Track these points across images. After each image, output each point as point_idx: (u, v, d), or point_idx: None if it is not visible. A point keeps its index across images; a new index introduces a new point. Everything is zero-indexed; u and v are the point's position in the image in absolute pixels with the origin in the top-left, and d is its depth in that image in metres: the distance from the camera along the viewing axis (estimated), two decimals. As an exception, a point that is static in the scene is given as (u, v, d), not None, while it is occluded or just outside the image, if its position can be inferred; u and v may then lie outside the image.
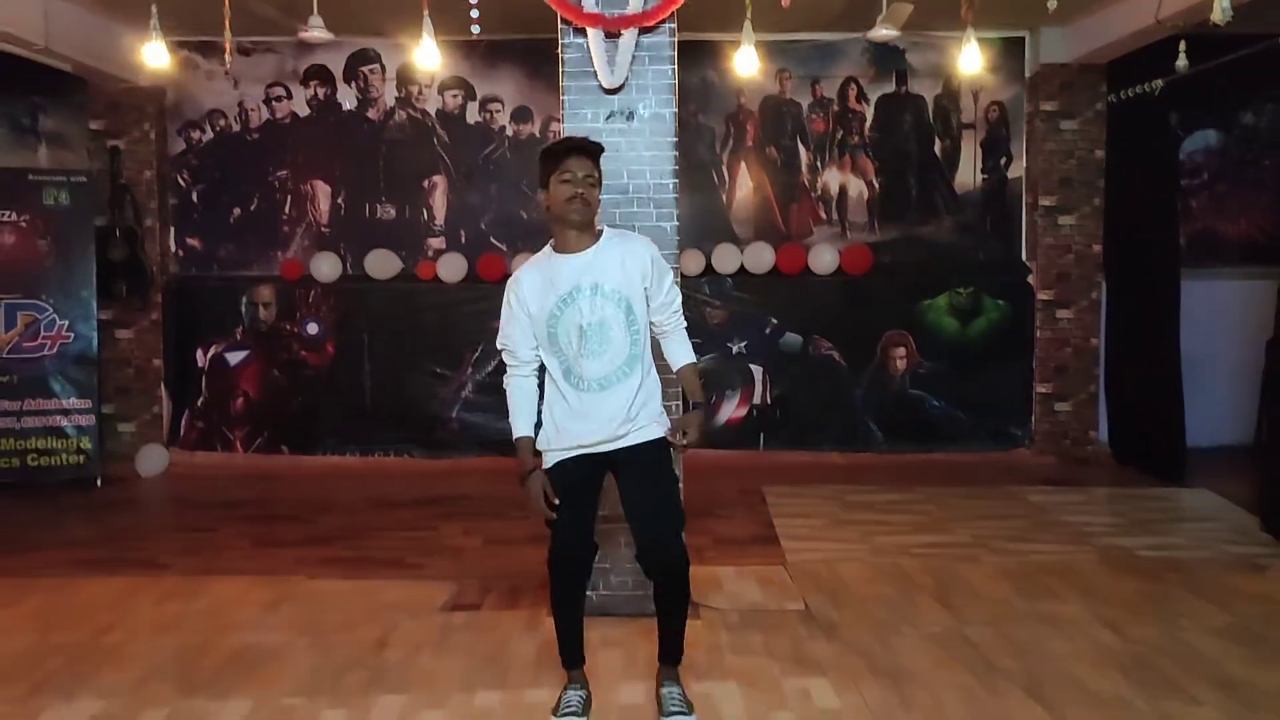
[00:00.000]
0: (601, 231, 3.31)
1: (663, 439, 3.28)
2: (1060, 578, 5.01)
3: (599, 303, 3.18)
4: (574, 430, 3.25)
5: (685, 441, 3.26)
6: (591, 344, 3.18)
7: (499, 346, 3.37)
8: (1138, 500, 6.76)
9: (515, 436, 3.31)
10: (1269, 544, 5.56)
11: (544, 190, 3.25)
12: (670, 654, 3.44)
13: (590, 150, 3.24)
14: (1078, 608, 4.58)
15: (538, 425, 3.34)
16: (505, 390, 3.37)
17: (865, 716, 3.49)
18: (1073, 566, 5.21)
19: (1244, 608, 4.55)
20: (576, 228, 3.22)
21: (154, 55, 4.70)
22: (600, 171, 3.28)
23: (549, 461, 3.30)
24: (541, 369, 3.34)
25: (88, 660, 4.01)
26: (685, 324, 3.45)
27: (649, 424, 3.27)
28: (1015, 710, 3.54)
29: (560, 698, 3.43)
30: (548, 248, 3.32)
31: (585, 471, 3.28)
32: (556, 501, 3.23)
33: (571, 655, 3.45)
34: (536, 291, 3.23)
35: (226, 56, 5.10)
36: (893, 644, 4.17)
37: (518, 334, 3.29)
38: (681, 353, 3.43)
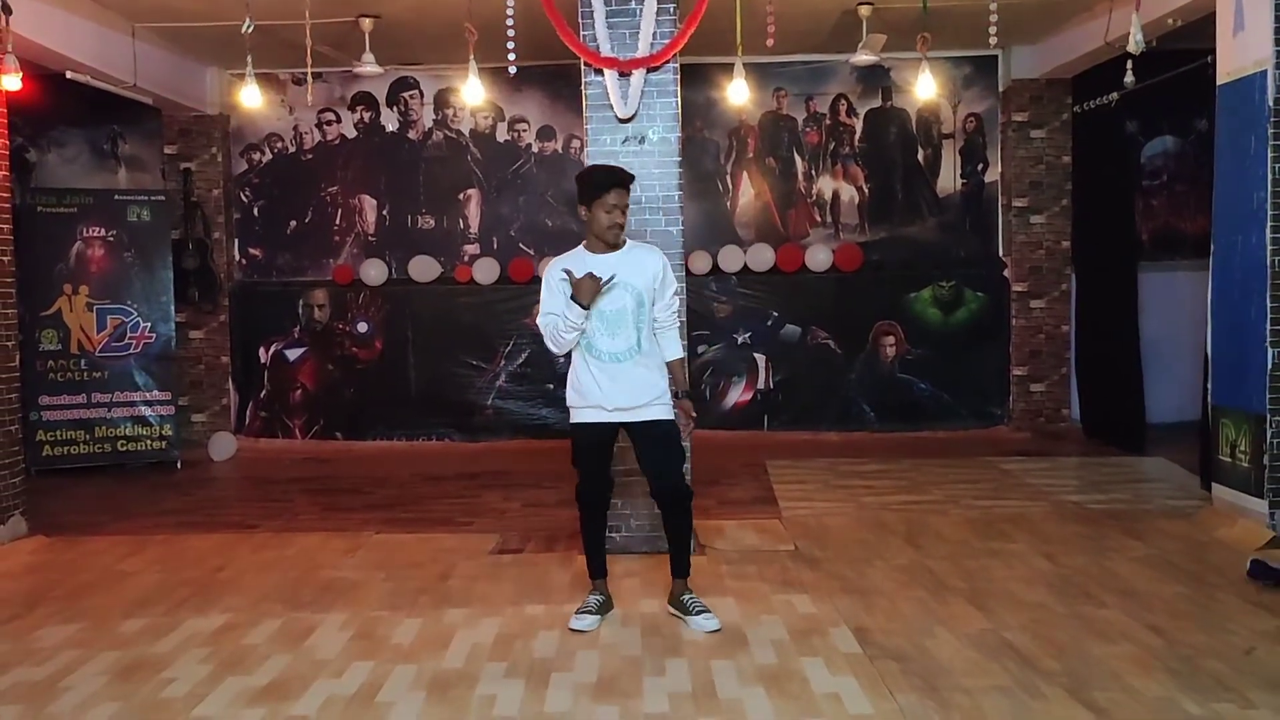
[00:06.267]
0: (625, 241, 4.18)
1: (672, 420, 4.19)
2: (1014, 524, 5.88)
3: (618, 295, 4.06)
4: (593, 393, 4.13)
5: (692, 426, 4.25)
6: (610, 326, 4.08)
7: (541, 322, 4.16)
8: (1098, 467, 7.62)
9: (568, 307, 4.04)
10: (1205, 497, 6.36)
11: (585, 208, 4.11)
12: (680, 568, 4.31)
13: (628, 182, 4.12)
14: (1023, 545, 5.45)
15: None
16: (549, 334, 4.11)
17: (835, 618, 4.36)
18: (1027, 516, 6.08)
19: (1164, 543, 5.42)
20: (611, 245, 4.13)
21: (249, 97, 5.66)
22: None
23: (575, 418, 4.21)
24: None
25: (209, 589, 4.95)
26: (680, 323, 4.36)
27: (661, 406, 4.16)
28: (957, 613, 4.41)
29: (584, 601, 4.36)
30: (580, 248, 4.21)
31: (606, 434, 4.22)
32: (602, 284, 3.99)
33: (596, 567, 4.40)
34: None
35: (308, 96, 5.99)
36: (865, 572, 5.05)
37: (560, 307, 4.09)
38: (672, 348, 4.29)
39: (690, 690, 3.62)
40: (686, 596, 4.28)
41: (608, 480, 4.35)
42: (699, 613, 4.19)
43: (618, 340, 4.09)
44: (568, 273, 4.07)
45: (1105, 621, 4.23)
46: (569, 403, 4.27)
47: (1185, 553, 5.25)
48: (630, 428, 4.19)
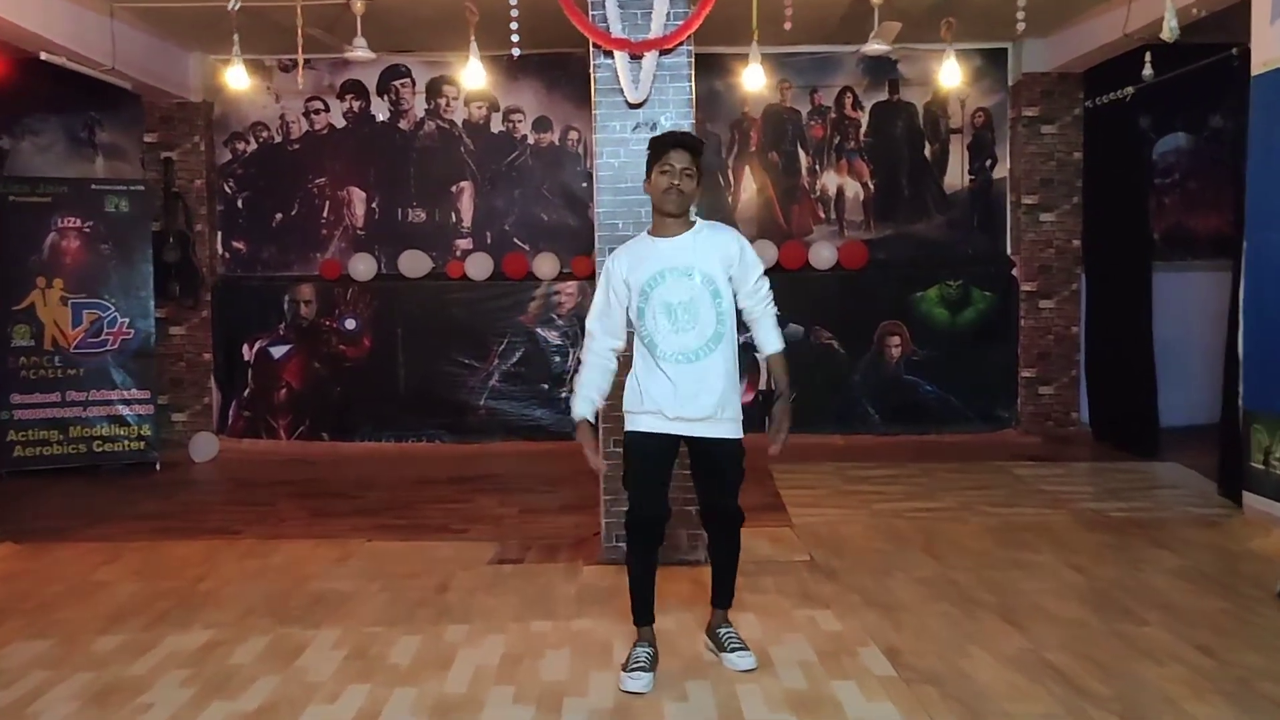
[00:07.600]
0: (695, 221, 3.63)
1: (740, 440, 3.63)
2: (1036, 534, 5.63)
3: (688, 284, 3.51)
4: (653, 396, 3.56)
5: (781, 440, 3.60)
6: (680, 321, 3.51)
7: (588, 326, 3.70)
8: (1112, 473, 7.38)
9: (575, 417, 3.66)
10: (1225, 505, 6.15)
11: (647, 179, 3.60)
12: (723, 599, 3.87)
13: (691, 145, 3.57)
14: (1049, 556, 5.20)
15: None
16: (581, 361, 3.72)
17: (863, 635, 4.10)
18: (1048, 525, 5.83)
19: (1195, 554, 5.18)
20: (672, 215, 3.56)
21: (236, 78, 5.35)
22: (700, 165, 3.57)
23: (631, 425, 3.64)
24: (619, 353, 3.70)
25: (191, 601, 4.64)
26: (776, 311, 3.70)
27: (731, 424, 3.60)
28: (990, 630, 4.15)
29: (630, 654, 3.68)
30: (644, 233, 3.69)
31: (665, 447, 3.61)
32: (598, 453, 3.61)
33: (642, 613, 3.71)
34: (630, 269, 3.58)
35: (298, 81, 5.68)
36: (887, 584, 4.78)
37: (606, 320, 3.66)
38: (769, 340, 3.69)
39: (715, 718, 3.35)
40: (723, 630, 3.85)
41: (664, 506, 3.68)
42: (734, 649, 3.77)
43: (687, 337, 3.52)
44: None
45: (1149, 640, 3.98)
46: (625, 407, 3.68)
47: (1219, 564, 5.01)
48: (692, 443, 3.63)
